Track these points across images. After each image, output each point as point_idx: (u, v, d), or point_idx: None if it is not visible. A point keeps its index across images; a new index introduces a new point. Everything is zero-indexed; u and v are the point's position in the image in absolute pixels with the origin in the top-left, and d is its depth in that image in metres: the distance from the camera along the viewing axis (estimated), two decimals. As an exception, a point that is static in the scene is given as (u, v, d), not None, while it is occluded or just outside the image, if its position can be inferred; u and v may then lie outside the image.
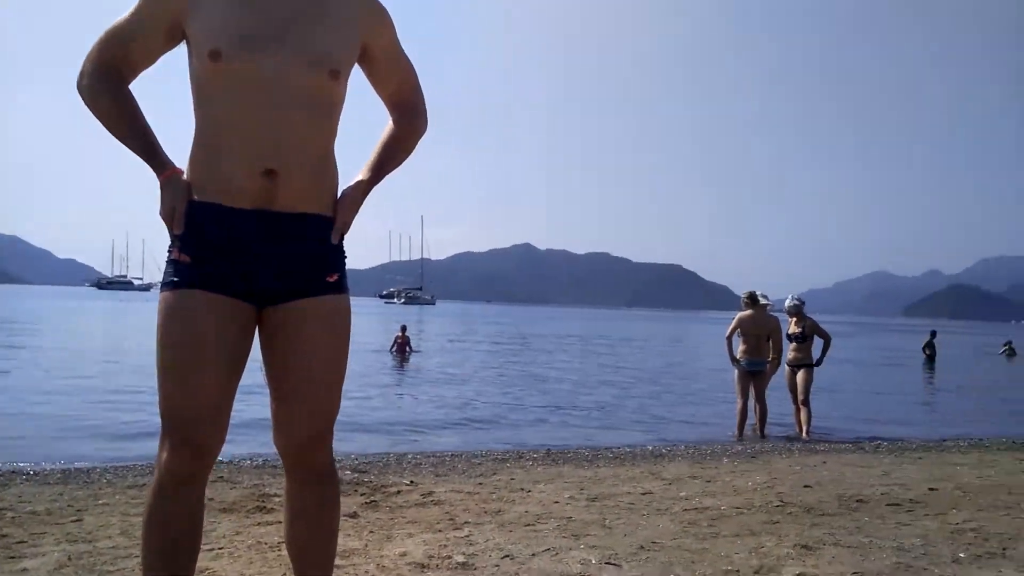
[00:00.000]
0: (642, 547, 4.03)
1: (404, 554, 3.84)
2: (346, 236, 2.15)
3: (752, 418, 9.63)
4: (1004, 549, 4.10)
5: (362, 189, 2.16)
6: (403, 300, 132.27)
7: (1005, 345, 34.16)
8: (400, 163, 2.29)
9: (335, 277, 2.10)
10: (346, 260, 2.18)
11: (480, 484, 5.81)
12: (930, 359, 25.89)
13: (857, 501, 5.25)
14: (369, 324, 45.37)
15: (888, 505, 5.14)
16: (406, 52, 2.25)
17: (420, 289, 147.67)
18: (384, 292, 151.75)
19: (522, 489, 5.64)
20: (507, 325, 56.25)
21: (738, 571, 3.65)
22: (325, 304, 2.07)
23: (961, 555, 3.98)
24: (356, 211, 2.15)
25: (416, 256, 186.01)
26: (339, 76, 2.00)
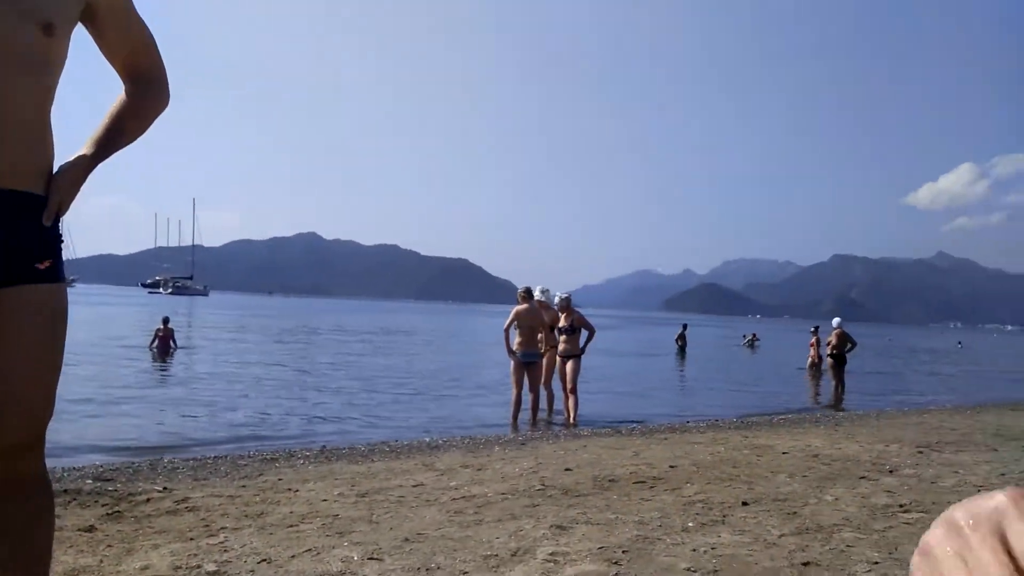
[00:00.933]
0: (407, 539, 4.05)
1: (146, 567, 3.52)
2: (64, 217, 1.91)
3: (527, 404, 10.12)
4: (724, 516, 4.69)
5: (83, 166, 1.92)
6: (170, 290, 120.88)
7: (746, 337, 39.10)
8: (133, 139, 2.06)
9: (47, 264, 1.85)
10: (63, 245, 1.93)
11: (243, 487, 5.49)
12: (682, 349, 28.99)
13: (609, 481, 5.71)
14: (128, 316, 41.13)
15: (635, 483, 5.65)
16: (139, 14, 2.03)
17: (191, 278, 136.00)
18: (148, 281, 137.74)
19: (290, 489, 5.42)
20: (287, 318, 53.91)
21: (497, 555, 3.80)
22: (35, 294, 1.82)
23: (690, 524, 4.48)
24: (75, 191, 1.91)
25: (187, 242, 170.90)
26: (54, 31, 1.75)
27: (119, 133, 2.02)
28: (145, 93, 2.07)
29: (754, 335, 39.27)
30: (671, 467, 6.32)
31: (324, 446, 7.75)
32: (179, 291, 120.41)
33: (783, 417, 11.06)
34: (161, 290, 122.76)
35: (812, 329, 23.07)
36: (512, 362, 10.13)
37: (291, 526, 4.34)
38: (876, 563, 3.78)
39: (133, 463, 6.53)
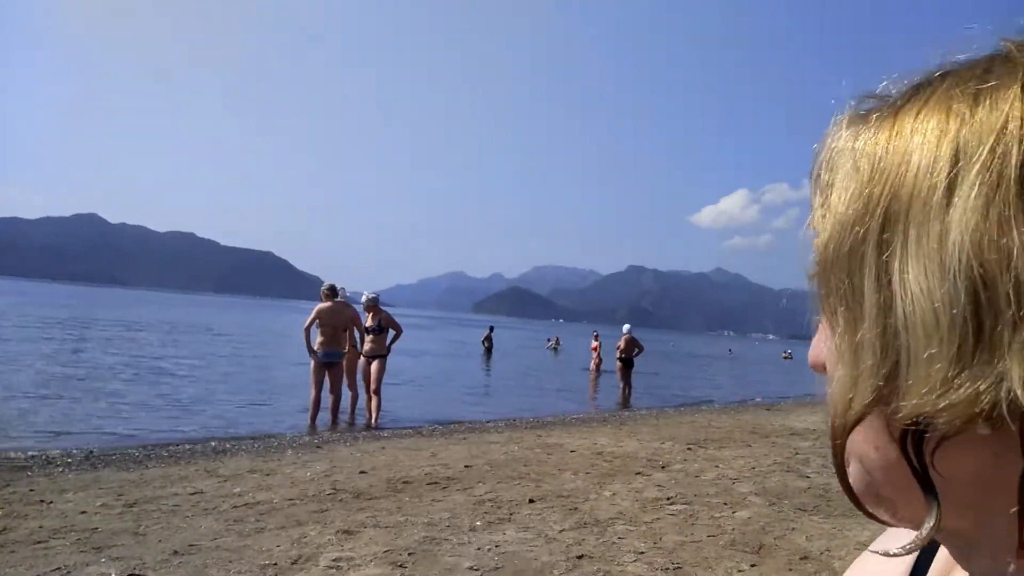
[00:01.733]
0: (176, 552, 3.76)
1: None
2: None
3: (327, 404, 9.81)
4: (511, 514, 4.85)
5: None
6: None
7: (550, 341, 40.84)
8: None
9: None
10: None
11: (-18, 499, 4.80)
12: (488, 351, 29.72)
13: (403, 483, 5.70)
14: None
15: (428, 484, 5.68)
16: None
17: None
18: None
19: (42, 501, 4.82)
20: (65, 308, 48.09)
21: (276, 564, 3.65)
22: None
23: (478, 523, 4.59)
24: None
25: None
26: None
27: None
28: None
29: (557, 339, 41.21)
30: (466, 467, 6.44)
31: (91, 451, 6.98)
32: None
33: (576, 417, 11.69)
34: None
35: (594, 334, 25.65)
36: (312, 362, 9.79)
37: (38, 543, 3.87)
38: (642, 553, 4.10)
39: None
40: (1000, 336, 0.35)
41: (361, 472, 6.10)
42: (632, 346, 16.88)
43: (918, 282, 0.37)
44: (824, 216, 0.43)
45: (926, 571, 0.57)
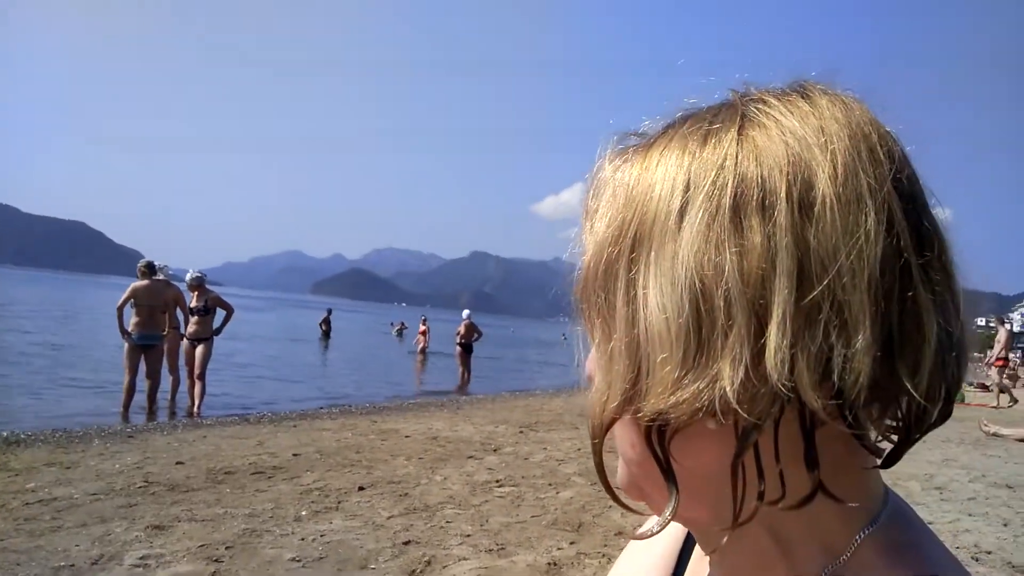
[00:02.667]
0: (-50, 558, 3.35)
1: None
2: None
3: (143, 390, 9.09)
4: (339, 502, 4.77)
5: None
6: None
7: (394, 325, 40.00)
8: None
9: None
10: None
11: None
12: (326, 334, 28.87)
13: (225, 473, 5.42)
14: None
15: (253, 474, 5.45)
16: None
17: None
18: None
19: None
20: None
21: (73, 565, 3.35)
22: None
23: (303, 513, 4.47)
24: None
25: None
26: None
27: None
28: None
29: (403, 323, 40.58)
30: (295, 455, 6.24)
31: None
32: None
33: (413, 402, 11.68)
34: None
35: (422, 318, 26.44)
36: (126, 345, 9.03)
37: None
38: (468, 535, 4.19)
39: None
40: (715, 342, 0.40)
41: (178, 463, 5.73)
42: (472, 331, 17.09)
43: (655, 296, 0.42)
44: (587, 238, 0.47)
45: (691, 551, 0.64)
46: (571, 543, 4.15)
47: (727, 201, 0.42)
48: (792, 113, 0.43)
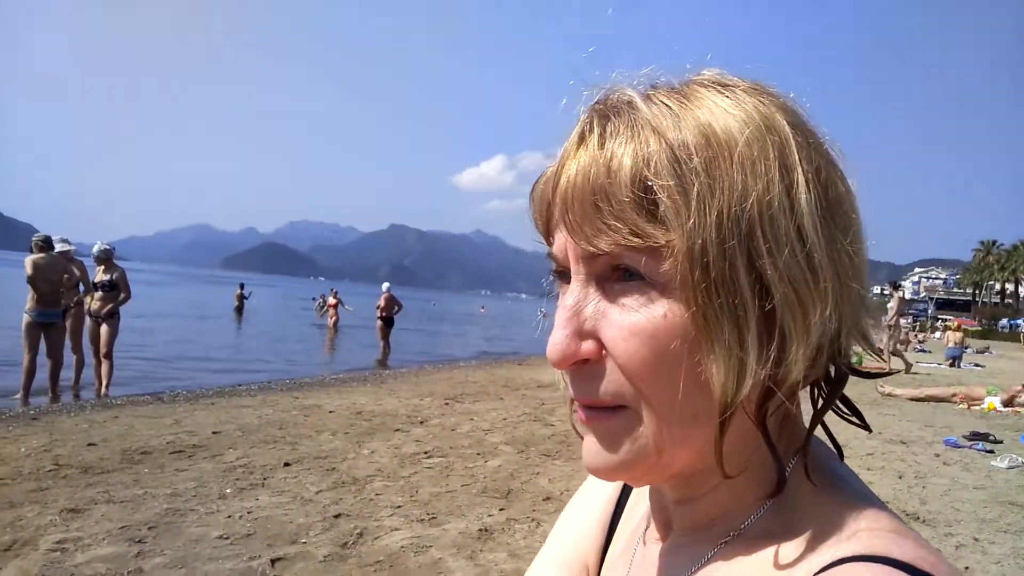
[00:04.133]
0: None
1: None
2: None
3: (46, 371, 8.61)
4: (265, 479, 4.70)
5: None
6: None
7: (317, 299, 37.67)
8: None
9: None
10: None
11: None
12: (238, 310, 27.95)
13: (142, 453, 5.24)
14: None
15: (172, 453, 5.29)
16: None
17: None
18: None
19: None
20: None
21: (-18, 554, 3.19)
22: None
23: (228, 490, 4.38)
24: None
25: None
26: None
27: None
28: None
29: (323, 297, 38.43)
30: (215, 433, 6.08)
31: None
32: None
33: (335, 377, 11.53)
34: None
35: (332, 291, 26.13)
36: (24, 322, 8.50)
37: None
38: (399, 507, 4.22)
39: None
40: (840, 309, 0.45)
41: (90, 444, 5.49)
42: (392, 304, 16.93)
43: (788, 262, 0.43)
44: (691, 214, 0.43)
45: (626, 500, 0.68)
46: (500, 510, 4.24)
47: (819, 161, 0.46)
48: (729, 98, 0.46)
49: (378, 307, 16.94)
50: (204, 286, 68.54)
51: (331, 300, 24.56)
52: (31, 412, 7.12)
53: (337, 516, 3.96)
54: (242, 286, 29.44)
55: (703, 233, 0.42)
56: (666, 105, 0.46)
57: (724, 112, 0.45)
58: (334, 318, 23.69)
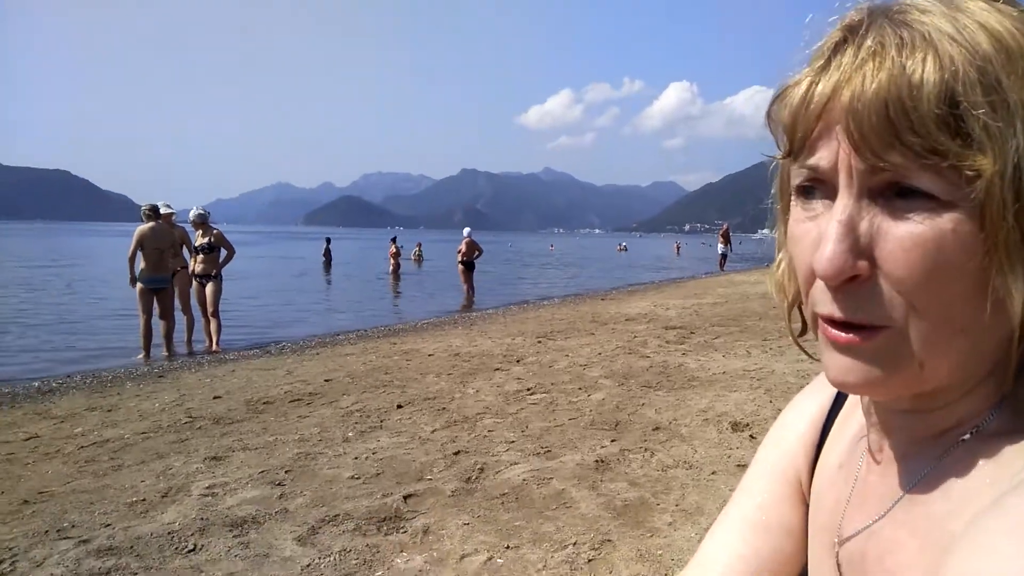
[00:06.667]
0: (26, 502, 3.49)
1: None
2: None
3: (160, 332, 9.18)
4: (381, 421, 4.92)
5: None
6: None
7: (414, 249, 37.16)
8: None
9: None
10: None
11: None
12: (327, 263, 28.87)
13: (264, 403, 5.56)
14: None
15: (291, 402, 5.59)
16: None
17: None
18: None
19: None
20: None
21: (144, 499, 3.49)
22: None
23: (350, 434, 4.61)
24: None
25: None
26: None
27: None
28: None
29: (418, 246, 37.69)
30: (326, 381, 6.38)
31: None
32: None
33: (426, 322, 11.83)
34: None
35: (392, 239, 26.49)
36: (137, 288, 9.03)
37: None
38: (512, 442, 4.35)
39: None
40: None
41: (215, 397, 5.86)
42: (473, 249, 17.10)
43: None
44: (1011, 134, 0.42)
45: (835, 416, 0.68)
46: (612, 441, 4.31)
47: None
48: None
49: (459, 252, 17.15)
50: (290, 242, 70.93)
51: (392, 248, 25.15)
52: (156, 370, 7.63)
53: (456, 453, 4.11)
54: (328, 240, 30.26)
55: (1020, 153, 0.41)
56: (948, 15, 0.45)
57: (999, 20, 0.44)
58: (395, 265, 24.35)
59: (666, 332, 8.80)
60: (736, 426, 4.50)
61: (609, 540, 2.93)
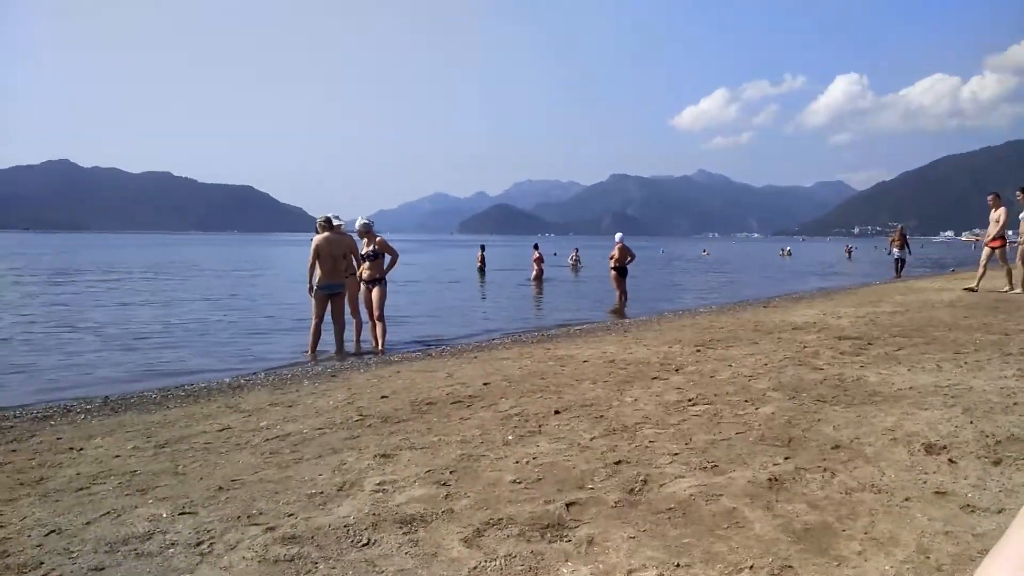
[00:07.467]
0: (221, 488, 3.79)
1: (-103, 561, 2.97)
2: None
3: (332, 334, 9.79)
4: (540, 426, 4.91)
5: None
6: None
7: (574, 252, 37.81)
8: None
9: None
10: None
11: (13, 451, 4.80)
12: (481, 270, 29.67)
13: (427, 404, 5.74)
14: None
15: (452, 403, 5.73)
16: None
17: None
18: None
19: (72, 448, 4.83)
20: (46, 255, 47.37)
21: (322, 492, 3.68)
22: None
23: (509, 437, 4.64)
24: None
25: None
26: None
27: None
28: None
29: (576, 251, 37.97)
30: (485, 384, 6.49)
31: (107, 397, 6.97)
32: None
33: (579, 328, 11.79)
34: None
35: (534, 246, 26.57)
36: (314, 294, 9.71)
37: (81, 489, 3.88)
38: (676, 454, 4.18)
39: None
40: None
41: (383, 397, 6.14)
42: (625, 254, 16.85)
43: None
44: None
45: None
46: (786, 458, 4.02)
47: None
48: None
49: (611, 257, 16.97)
50: (446, 250, 73.75)
51: (535, 254, 25.40)
52: (329, 370, 8.13)
53: (617, 463, 4.01)
54: (483, 248, 31.13)
55: None
56: None
57: None
58: (536, 271, 24.54)
59: (839, 342, 8.17)
60: (931, 448, 4.05)
61: (790, 566, 2.71)
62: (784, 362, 7.06)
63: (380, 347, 10.01)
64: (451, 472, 3.93)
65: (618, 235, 17.46)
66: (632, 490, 3.58)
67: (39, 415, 6.13)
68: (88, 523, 3.34)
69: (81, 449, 4.80)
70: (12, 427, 5.65)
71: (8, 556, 3.01)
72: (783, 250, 59.80)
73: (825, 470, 3.80)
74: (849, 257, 51.34)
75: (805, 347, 7.95)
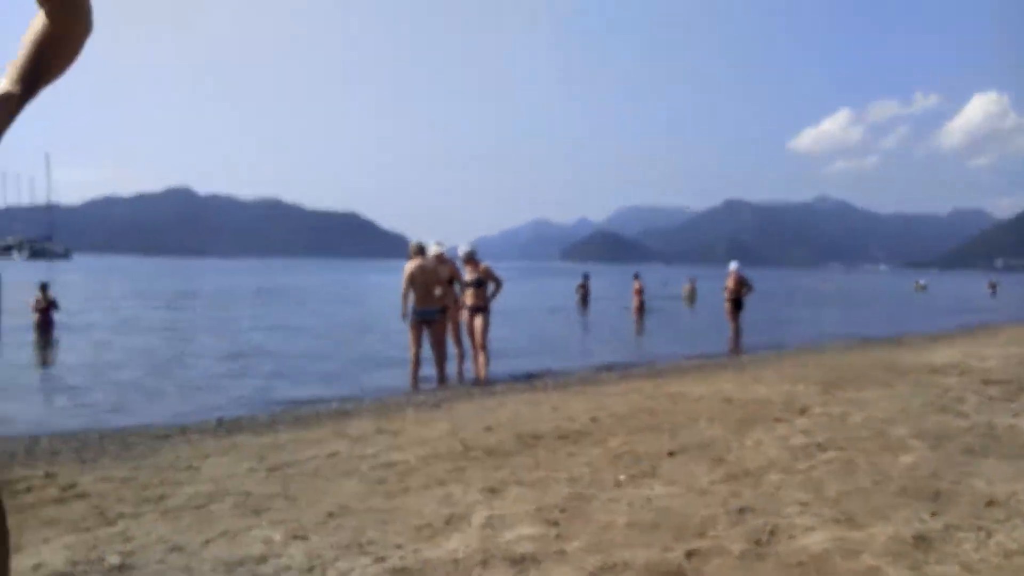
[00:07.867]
0: (331, 514, 3.77)
1: (39, 566, 3.12)
2: None
3: (431, 362, 9.76)
4: (653, 467, 4.65)
5: (12, 105, 1.43)
6: (26, 254, 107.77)
7: (689, 282, 34.68)
8: (60, 74, 1.58)
9: None
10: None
11: (137, 468, 5.01)
12: (583, 299, 29.29)
13: (533, 438, 5.59)
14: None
15: (559, 438, 5.55)
16: None
17: (50, 239, 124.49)
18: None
19: (190, 467, 4.99)
20: (165, 280, 50.94)
21: (430, 524, 3.59)
22: None
23: (621, 477, 4.41)
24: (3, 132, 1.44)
25: (41, 201, 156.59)
26: None
27: (46, 68, 1.53)
28: (70, 16, 1.57)
29: (693, 280, 35.93)
30: (592, 420, 6.27)
31: (221, 418, 7.19)
32: (37, 254, 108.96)
33: (691, 363, 11.34)
34: (14, 255, 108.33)
35: (634, 275, 25.57)
36: (409, 321, 9.69)
37: (199, 507, 3.97)
38: (806, 503, 3.82)
39: (7, 444, 5.86)
40: None
41: (487, 428, 6.03)
42: (741, 285, 16.11)
43: None
44: None
45: None
46: (933, 514, 3.60)
47: None
48: None
49: (726, 288, 16.31)
50: (547, 278, 73.79)
51: (636, 285, 24.38)
52: (433, 399, 8.12)
53: (741, 510, 3.71)
54: (586, 276, 30.75)
55: None
56: None
57: None
58: (638, 303, 23.52)
59: (986, 387, 7.43)
60: (1109, 511, 3.52)
61: (953, 644, 2.36)
62: (924, 407, 6.46)
63: (482, 377, 9.91)
64: (561, 511, 3.75)
65: (733, 264, 16.76)
66: (759, 541, 3.28)
67: (159, 434, 6.39)
68: (207, 542, 3.39)
69: (198, 468, 4.95)
70: (136, 444, 5.92)
71: (134, 570, 3.08)
72: (917, 283, 55.83)
73: (979, 528, 3.36)
74: (993, 293, 47.15)
75: (947, 391, 7.27)
